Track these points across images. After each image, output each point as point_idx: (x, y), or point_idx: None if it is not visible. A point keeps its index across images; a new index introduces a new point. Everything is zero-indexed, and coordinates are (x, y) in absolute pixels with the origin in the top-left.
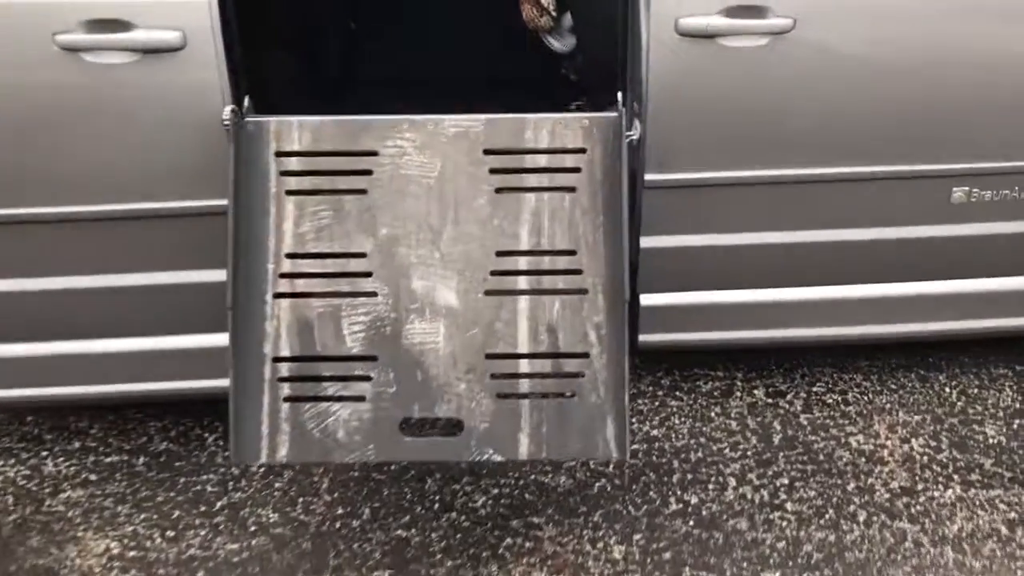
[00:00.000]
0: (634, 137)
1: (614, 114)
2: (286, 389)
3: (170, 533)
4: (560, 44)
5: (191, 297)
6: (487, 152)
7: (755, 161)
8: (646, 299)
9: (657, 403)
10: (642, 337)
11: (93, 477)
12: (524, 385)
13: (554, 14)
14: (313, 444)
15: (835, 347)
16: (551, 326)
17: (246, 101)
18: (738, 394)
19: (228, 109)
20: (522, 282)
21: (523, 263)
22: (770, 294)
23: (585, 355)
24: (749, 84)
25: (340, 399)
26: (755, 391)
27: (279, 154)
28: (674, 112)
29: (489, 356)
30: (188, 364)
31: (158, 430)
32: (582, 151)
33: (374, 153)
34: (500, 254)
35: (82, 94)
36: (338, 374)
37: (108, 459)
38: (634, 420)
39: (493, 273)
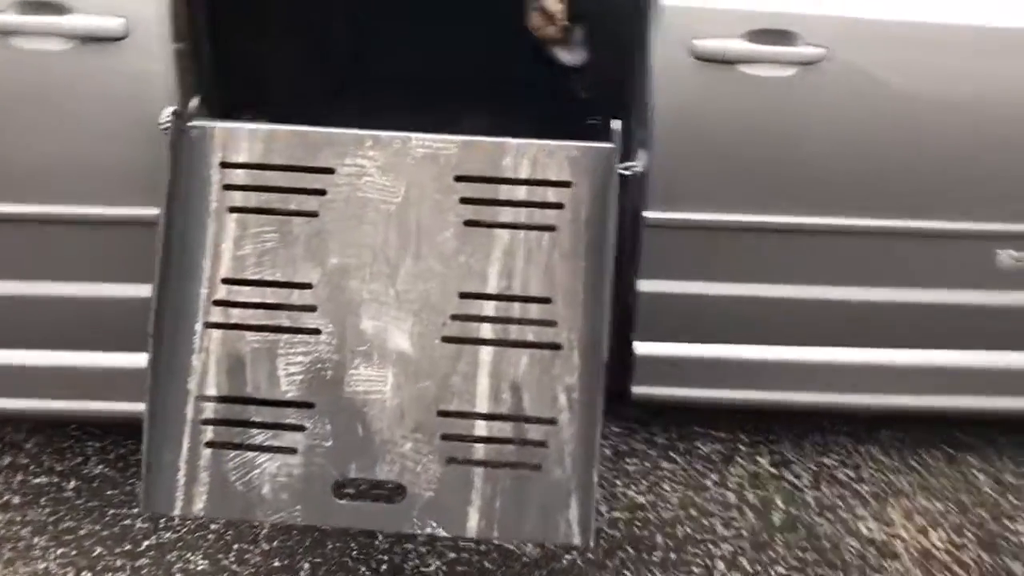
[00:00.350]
0: (637, 168)
1: (608, 145)
2: (209, 433)
3: (86, 574)
4: (569, 57)
5: (124, 312)
6: (459, 179)
7: (773, 205)
8: (642, 347)
9: (648, 464)
10: (635, 389)
11: (16, 500)
12: (479, 451)
13: (564, 23)
14: (234, 498)
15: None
16: (515, 384)
17: (194, 101)
18: (740, 460)
19: (168, 111)
20: (486, 330)
21: (489, 308)
22: (782, 352)
23: (552, 421)
24: (771, 118)
25: (269, 450)
26: (759, 458)
27: (225, 165)
28: (684, 143)
29: (441, 414)
30: (118, 384)
31: (96, 451)
32: (566, 185)
33: (330, 171)
34: (464, 296)
35: (8, 81)
36: (269, 421)
37: (36, 480)
38: (619, 482)
39: (454, 317)
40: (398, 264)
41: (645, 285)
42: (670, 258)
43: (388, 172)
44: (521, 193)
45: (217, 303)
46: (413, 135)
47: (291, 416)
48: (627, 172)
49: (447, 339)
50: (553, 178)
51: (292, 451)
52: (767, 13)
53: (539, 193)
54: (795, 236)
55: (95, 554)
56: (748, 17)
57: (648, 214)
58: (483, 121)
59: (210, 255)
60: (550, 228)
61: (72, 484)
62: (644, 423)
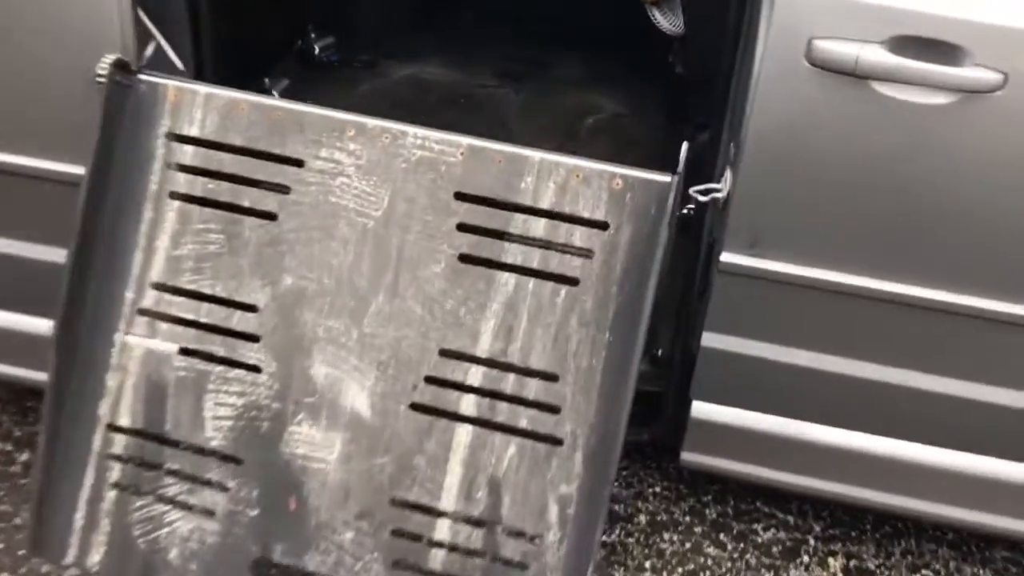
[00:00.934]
0: (718, 195)
1: (665, 178)
2: (116, 471)
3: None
4: (665, 22)
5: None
6: (460, 197)
7: (893, 270)
8: (700, 409)
9: (688, 545)
10: (686, 454)
11: None
12: (436, 558)
13: None
14: (134, 556)
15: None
16: (495, 481)
17: (149, 48)
18: (805, 557)
19: (108, 59)
20: (468, 404)
21: (476, 376)
22: (871, 442)
23: (536, 538)
24: (913, 157)
25: (182, 506)
26: (831, 559)
27: (172, 137)
28: (784, 172)
29: (396, 503)
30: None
31: None
32: (602, 226)
33: (298, 163)
34: (446, 354)
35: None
36: (187, 470)
37: None
38: (648, 564)
39: (429, 380)
40: (367, 298)
41: (712, 339)
42: (747, 313)
43: (371, 175)
44: (539, 228)
45: (143, 312)
46: (411, 128)
47: (213, 470)
48: (704, 198)
49: (417, 407)
50: (585, 214)
51: (209, 514)
52: (924, 15)
53: (563, 232)
54: (918, 312)
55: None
56: (895, 17)
57: (725, 257)
58: (574, 69)
59: (142, 250)
60: (571, 281)
61: (24, 457)
62: (695, 487)
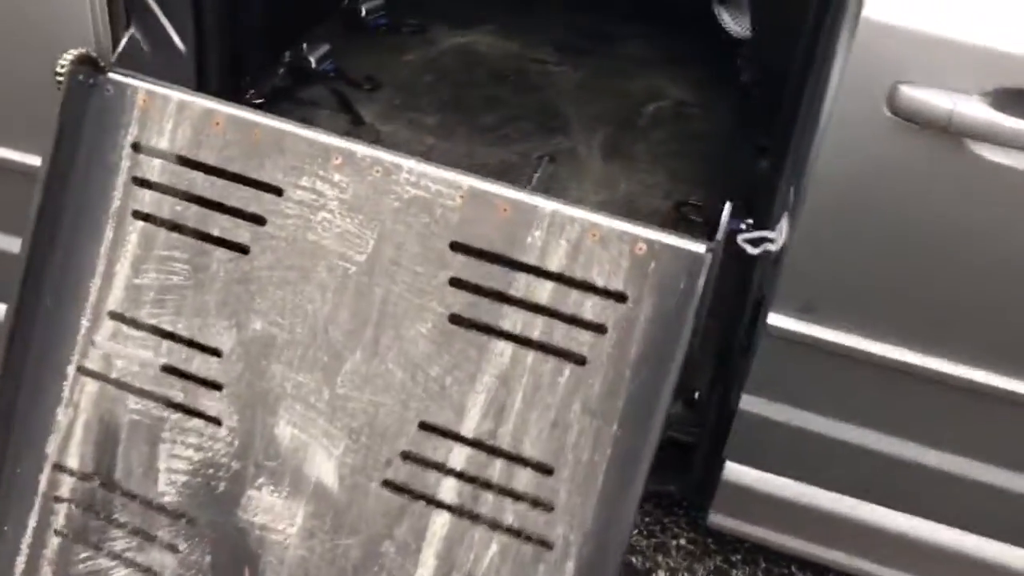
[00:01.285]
0: (771, 246)
1: (697, 248)
2: (61, 517)
3: None
4: (731, 21)
5: None
6: (456, 247)
7: (967, 354)
8: (733, 471)
9: None
10: (714, 516)
11: None
12: None
13: None
14: None
15: None
16: None
17: (124, 39)
18: None
19: (70, 55)
20: (448, 489)
21: (459, 457)
22: (922, 527)
23: None
24: (1011, 233)
25: (130, 564)
26: None
27: (139, 148)
28: (851, 233)
29: None
30: None
31: None
32: (620, 298)
33: (277, 191)
34: (426, 428)
35: None
36: (136, 524)
37: None
38: None
39: (406, 457)
40: (343, 355)
41: (752, 403)
42: (793, 380)
43: (356, 212)
44: (544, 292)
45: (97, 344)
46: (406, 162)
47: (164, 528)
48: (754, 250)
49: (389, 485)
50: (599, 281)
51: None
52: None
53: (572, 300)
54: (990, 400)
55: None
56: (1002, 65)
57: (774, 319)
58: (642, 48)
59: (100, 272)
60: (577, 360)
61: None
62: (723, 543)
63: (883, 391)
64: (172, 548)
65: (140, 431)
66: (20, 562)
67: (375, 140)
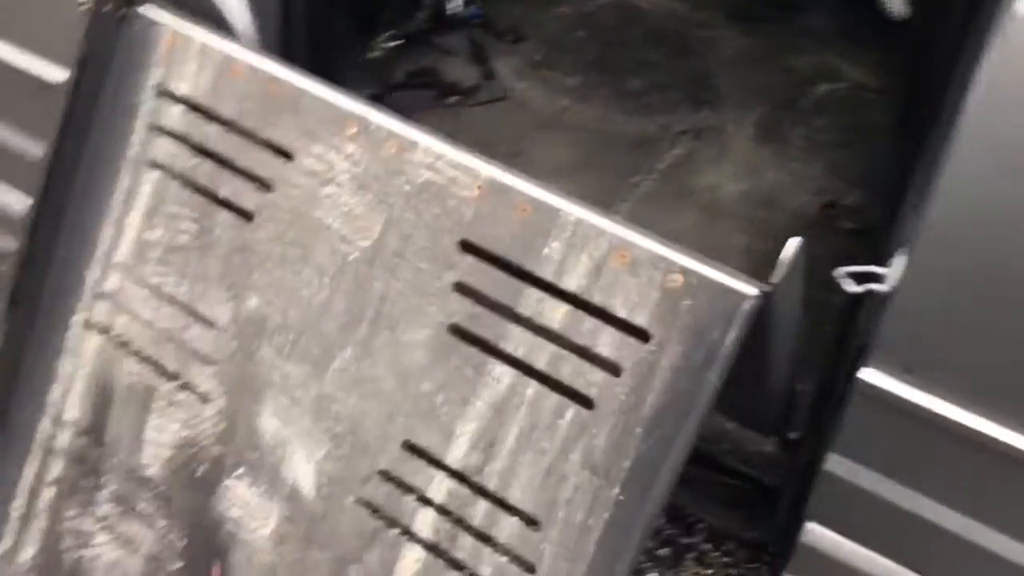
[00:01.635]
0: (879, 286)
1: (746, 288)
2: (58, 467)
3: None
4: (895, 5)
5: None
6: (466, 247)
7: None
8: (812, 532)
9: None
10: None
11: None
12: None
13: None
14: (60, 571)
15: None
16: None
17: None
18: None
19: None
20: (425, 522)
21: (440, 488)
22: None
23: None
24: None
25: (110, 532)
26: None
27: (161, 92)
28: (982, 287)
29: None
30: None
31: None
32: (641, 336)
33: (287, 155)
34: (411, 449)
35: None
36: (120, 491)
37: None
38: None
39: (386, 477)
40: (333, 351)
41: (838, 464)
42: (887, 446)
43: (365, 190)
44: (556, 314)
45: (102, 296)
46: (424, 140)
47: (144, 501)
48: (856, 288)
49: (366, 504)
50: (621, 312)
51: (134, 549)
52: None
53: (587, 328)
54: None
55: None
56: None
57: (869, 375)
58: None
59: (113, 222)
60: (583, 401)
61: None
62: None
63: (988, 477)
64: (150, 523)
65: (133, 396)
66: (16, 507)
67: (502, 98)
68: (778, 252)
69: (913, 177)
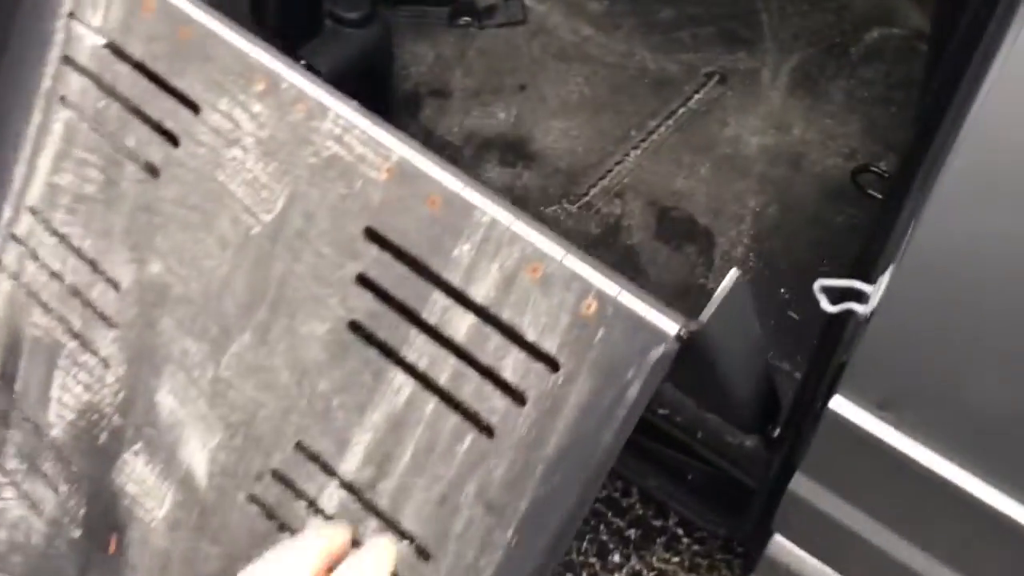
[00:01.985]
0: (862, 309)
1: (666, 325)
2: None
3: None
4: None
5: None
6: (371, 235)
7: None
8: (777, 545)
9: None
10: None
11: None
12: None
13: None
14: None
15: None
16: None
17: None
18: None
19: None
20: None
21: (331, 498)
22: None
23: None
24: None
25: (16, 488)
26: None
27: (76, 22)
28: (963, 326)
29: None
30: None
31: None
32: (549, 363)
33: (194, 107)
34: (303, 451)
35: None
36: (26, 449)
37: None
38: None
39: (278, 478)
40: (231, 332)
41: (802, 484)
42: (850, 476)
43: (270, 158)
44: (461, 325)
45: (15, 239)
46: (334, 106)
47: (48, 462)
48: (832, 308)
49: (256, 502)
50: (529, 334)
51: (38, 511)
52: None
53: (493, 347)
54: None
55: None
56: None
57: (839, 405)
58: None
59: (26, 160)
60: (485, 429)
61: None
62: None
63: (957, 522)
64: (53, 487)
65: (40, 350)
66: None
67: (519, 22)
68: (791, 219)
69: (911, 183)
